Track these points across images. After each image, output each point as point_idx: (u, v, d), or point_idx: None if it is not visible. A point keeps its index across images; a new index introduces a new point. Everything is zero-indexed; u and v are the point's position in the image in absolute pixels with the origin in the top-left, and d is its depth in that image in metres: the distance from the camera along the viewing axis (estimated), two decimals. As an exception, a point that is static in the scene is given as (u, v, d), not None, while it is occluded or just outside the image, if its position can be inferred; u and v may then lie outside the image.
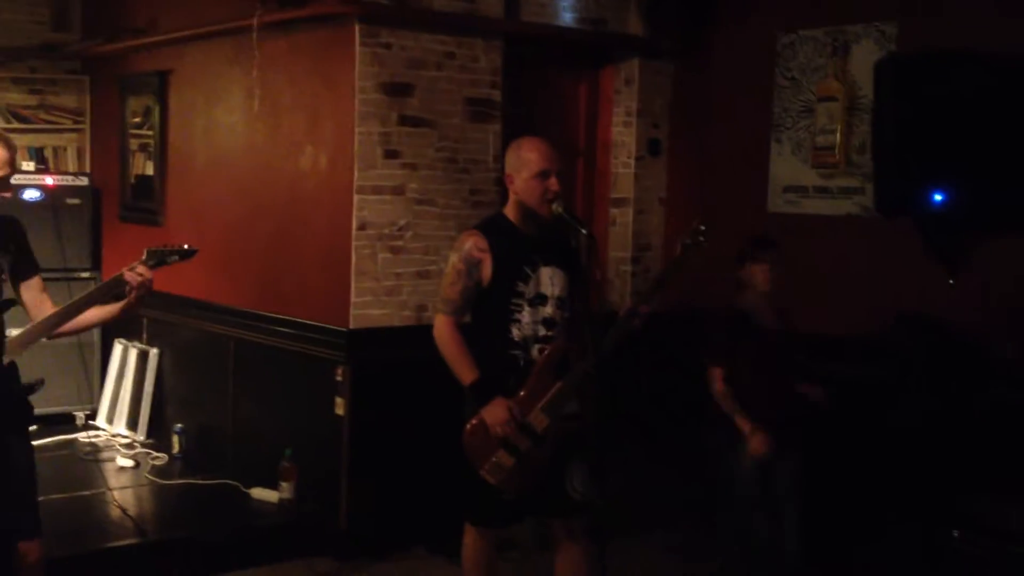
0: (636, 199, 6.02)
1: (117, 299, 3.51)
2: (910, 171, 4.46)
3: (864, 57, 5.15)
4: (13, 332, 3.49)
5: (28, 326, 3.50)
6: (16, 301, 3.52)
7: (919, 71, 4.48)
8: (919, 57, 4.56)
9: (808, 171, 5.47)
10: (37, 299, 3.54)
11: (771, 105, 5.61)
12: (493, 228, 3.72)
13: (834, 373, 4.68)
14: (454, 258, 3.69)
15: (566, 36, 5.75)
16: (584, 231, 3.63)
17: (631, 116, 5.99)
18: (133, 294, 3.44)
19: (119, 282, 3.43)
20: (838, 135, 5.29)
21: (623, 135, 6.05)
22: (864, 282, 5.22)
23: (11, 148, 3.48)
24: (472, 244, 3.66)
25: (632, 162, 6.00)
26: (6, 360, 3.43)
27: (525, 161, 3.66)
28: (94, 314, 3.52)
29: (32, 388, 3.48)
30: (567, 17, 5.73)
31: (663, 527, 5.37)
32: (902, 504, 4.68)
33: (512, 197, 3.73)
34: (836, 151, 5.31)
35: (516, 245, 3.68)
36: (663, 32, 5.96)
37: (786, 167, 5.58)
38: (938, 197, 4.40)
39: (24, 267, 3.53)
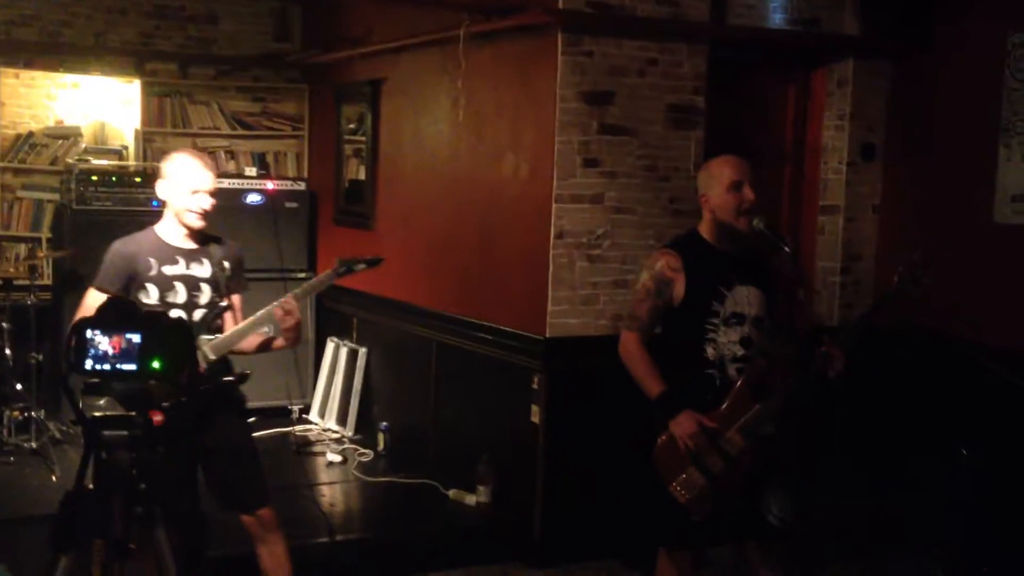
0: (847, 206, 5.75)
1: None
2: None
3: (1107, 55, 4.73)
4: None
5: (217, 337, 3.76)
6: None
7: None
8: None
9: (1040, 179, 5.07)
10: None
11: (1000, 108, 5.21)
12: (687, 246, 3.63)
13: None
14: (644, 276, 3.64)
15: (775, 38, 5.55)
16: (787, 248, 3.50)
17: (843, 119, 5.73)
18: (283, 331, 3.70)
19: (270, 317, 3.68)
20: (1075, 140, 4.88)
21: (834, 139, 5.78)
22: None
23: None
24: (664, 263, 3.59)
25: (843, 168, 5.73)
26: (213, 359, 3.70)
27: (716, 176, 3.59)
28: (254, 340, 3.80)
29: (240, 379, 3.78)
30: (776, 18, 5.52)
31: (864, 554, 5.10)
32: None
33: (707, 215, 3.63)
34: (1073, 157, 4.90)
35: (711, 263, 3.58)
36: (880, 31, 5.66)
37: (1016, 175, 5.18)
38: None
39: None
